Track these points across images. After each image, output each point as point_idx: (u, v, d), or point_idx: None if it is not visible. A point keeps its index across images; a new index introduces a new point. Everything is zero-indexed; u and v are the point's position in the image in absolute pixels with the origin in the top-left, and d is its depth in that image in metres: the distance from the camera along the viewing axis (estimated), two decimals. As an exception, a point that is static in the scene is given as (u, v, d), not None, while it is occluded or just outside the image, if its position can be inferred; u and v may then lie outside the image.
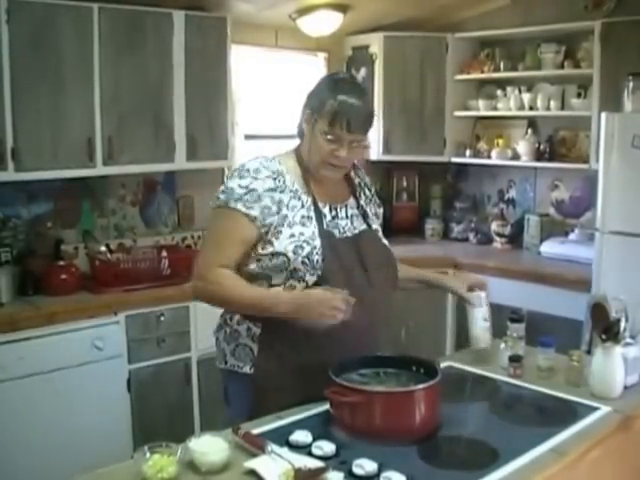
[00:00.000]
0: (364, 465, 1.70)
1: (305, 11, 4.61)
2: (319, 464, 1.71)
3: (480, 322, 2.46)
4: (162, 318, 3.78)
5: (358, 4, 4.65)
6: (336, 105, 2.13)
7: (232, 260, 2.17)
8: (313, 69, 5.18)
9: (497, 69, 4.97)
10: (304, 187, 2.24)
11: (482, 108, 5.06)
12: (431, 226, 5.47)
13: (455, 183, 5.59)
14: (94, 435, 3.47)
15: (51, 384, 3.39)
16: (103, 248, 4.03)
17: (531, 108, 4.80)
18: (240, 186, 2.16)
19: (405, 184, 5.63)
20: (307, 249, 2.14)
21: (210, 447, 1.76)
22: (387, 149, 5.18)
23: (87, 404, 3.50)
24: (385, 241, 2.40)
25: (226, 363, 2.28)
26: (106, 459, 1.95)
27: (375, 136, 5.18)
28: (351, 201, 2.37)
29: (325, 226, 2.22)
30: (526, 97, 4.80)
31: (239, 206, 2.14)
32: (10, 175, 3.48)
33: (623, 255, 3.81)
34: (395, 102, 5.15)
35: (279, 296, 2.12)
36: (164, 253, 4.09)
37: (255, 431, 1.92)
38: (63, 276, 3.77)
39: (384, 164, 5.44)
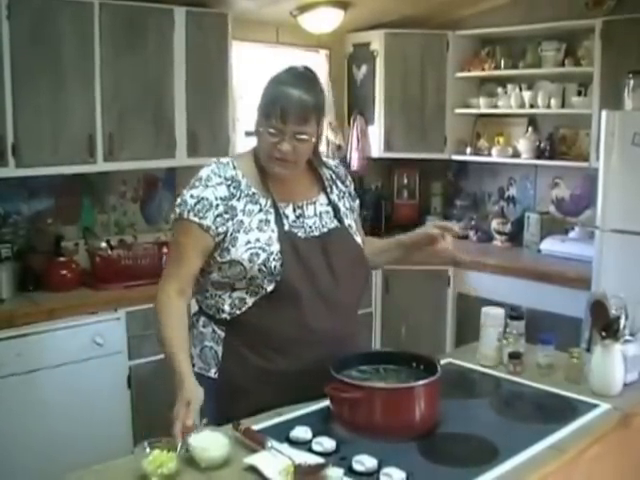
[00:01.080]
0: (364, 461, 1.70)
1: (306, 8, 4.62)
2: (319, 460, 1.71)
3: (494, 342, 2.44)
4: (162, 314, 3.77)
5: (359, 1, 4.65)
6: (271, 97, 2.08)
7: (192, 272, 2.13)
8: (314, 66, 5.17)
9: (498, 67, 4.97)
10: (262, 189, 2.16)
11: (483, 106, 5.06)
12: (431, 223, 5.45)
13: (455, 181, 5.59)
14: (94, 431, 3.48)
15: (51, 380, 3.40)
16: (103, 244, 4.04)
17: (532, 106, 4.81)
18: (192, 196, 2.10)
19: (406, 181, 5.63)
20: (263, 256, 2.07)
21: (210, 443, 1.76)
22: (388, 146, 5.19)
23: (87, 400, 3.50)
24: (358, 238, 2.30)
25: (194, 366, 2.22)
26: (106, 455, 1.95)
27: (376, 133, 5.21)
28: (321, 197, 2.27)
29: (288, 227, 2.14)
30: (527, 95, 4.80)
31: (192, 217, 2.08)
32: (10, 171, 3.49)
33: (623, 253, 3.81)
34: (396, 99, 5.16)
35: (179, 368, 2.05)
36: (165, 249, 4.07)
37: (255, 427, 1.93)
38: (63, 272, 3.78)
39: (385, 161, 5.45)
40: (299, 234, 2.15)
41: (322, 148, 2.37)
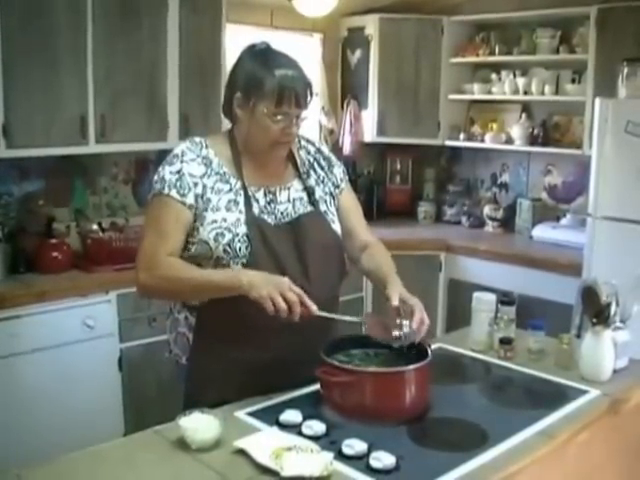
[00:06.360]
0: (354, 445, 1.71)
1: (301, -9, 4.58)
2: (310, 443, 1.72)
3: (485, 327, 2.45)
4: (153, 297, 3.76)
5: (354, -15, 4.63)
6: (277, 82, 2.01)
7: (177, 247, 2.05)
8: (308, 50, 5.16)
9: (492, 53, 4.95)
10: (233, 171, 2.12)
11: (477, 92, 5.06)
12: (424, 209, 5.47)
13: (448, 166, 5.59)
14: (85, 413, 3.48)
15: (42, 363, 3.39)
16: (95, 226, 4.02)
17: (525, 93, 4.80)
18: (171, 172, 2.06)
19: (399, 167, 5.63)
20: (228, 236, 2.03)
21: (201, 425, 1.76)
22: (381, 131, 5.19)
23: (78, 383, 3.50)
24: (335, 225, 2.23)
25: (170, 352, 2.23)
26: (97, 437, 1.95)
27: (369, 118, 5.20)
28: (296, 183, 2.22)
29: (258, 212, 2.10)
30: (521, 81, 4.80)
31: (173, 193, 2.04)
32: (1, 152, 3.45)
33: (614, 240, 3.82)
34: (390, 84, 5.14)
35: (240, 270, 1.99)
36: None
37: (246, 410, 1.94)
38: (55, 254, 3.76)
39: (378, 146, 5.44)
40: (269, 220, 2.11)
41: (311, 132, 2.31)
